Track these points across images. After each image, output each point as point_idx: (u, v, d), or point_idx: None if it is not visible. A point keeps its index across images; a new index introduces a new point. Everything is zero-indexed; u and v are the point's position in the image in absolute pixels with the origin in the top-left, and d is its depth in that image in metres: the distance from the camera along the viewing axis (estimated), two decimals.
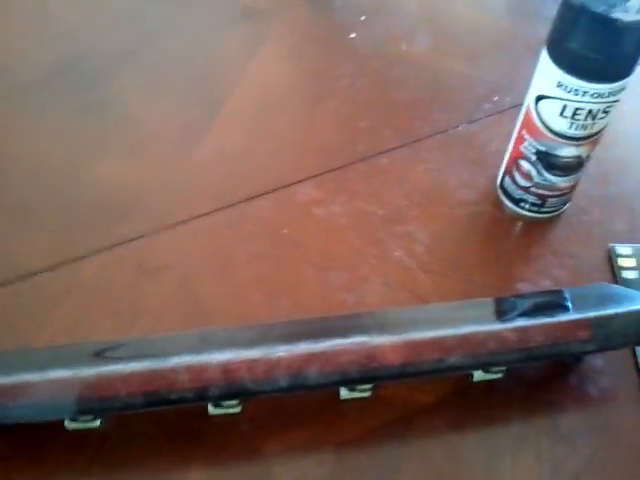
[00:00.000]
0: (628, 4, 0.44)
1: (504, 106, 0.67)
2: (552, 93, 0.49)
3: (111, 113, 0.65)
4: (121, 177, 0.61)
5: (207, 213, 0.59)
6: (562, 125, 0.50)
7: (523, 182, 0.56)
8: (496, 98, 0.68)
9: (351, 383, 0.44)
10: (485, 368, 0.46)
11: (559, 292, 0.52)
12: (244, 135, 0.64)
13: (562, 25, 0.47)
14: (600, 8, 0.44)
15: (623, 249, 0.57)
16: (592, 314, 0.46)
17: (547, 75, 0.49)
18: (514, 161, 0.56)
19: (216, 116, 0.66)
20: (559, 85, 0.48)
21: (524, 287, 0.55)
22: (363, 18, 0.75)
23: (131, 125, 0.65)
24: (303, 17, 0.75)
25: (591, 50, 0.46)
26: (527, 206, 0.58)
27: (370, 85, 0.69)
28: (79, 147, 0.63)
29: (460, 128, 0.66)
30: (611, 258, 0.57)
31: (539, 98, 0.51)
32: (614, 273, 0.56)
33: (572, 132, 0.51)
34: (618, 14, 0.44)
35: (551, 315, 0.46)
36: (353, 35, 0.73)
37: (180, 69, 0.70)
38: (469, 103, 0.68)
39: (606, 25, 0.44)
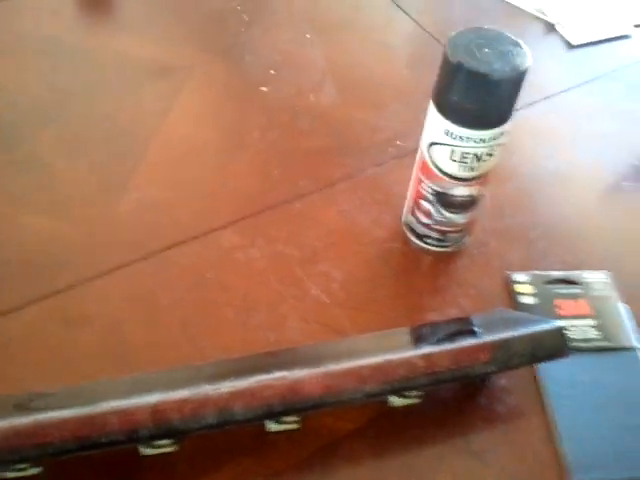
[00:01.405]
0: (501, 58, 0.50)
1: (407, 150, 0.72)
2: (441, 140, 0.55)
3: (33, 170, 0.67)
4: (45, 232, 0.62)
5: (131, 262, 0.61)
6: (452, 168, 0.56)
7: (425, 219, 0.61)
8: (399, 142, 0.73)
9: (276, 416, 0.47)
10: (398, 393, 0.50)
11: (464, 319, 0.57)
12: (164, 186, 0.67)
13: (444, 80, 0.52)
14: (475, 65, 0.49)
15: (520, 276, 0.63)
16: (490, 338, 0.50)
17: (436, 124, 0.54)
18: (415, 201, 0.61)
19: (136, 169, 0.68)
20: (446, 133, 0.54)
21: (433, 316, 0.60)
22: (273, 72, 0.80)
23: (53, 181, 0.66)
24: (216, 72, 0.79)
25: (470, 102, 0.51)
26: (431, 241, 0.63)
27: (281, 135, 0.73)
28: (2, 203, 0.64)
29: (368, 172, 0.70)
30: (509, 285, 0.62)
31: (431, 144, 0.56)
32: (513, 299, 0.61)
33: (462, 174, 0.56)
34: (490, 70, 0.49)
35: (455, 341, 0.51)
36: (264, 89, 0.78)
37: (100, 125, 0.72)
38: (374, 148, 0.73)
39: (480, 80, 0.50)
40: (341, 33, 0.87)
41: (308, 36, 0.85)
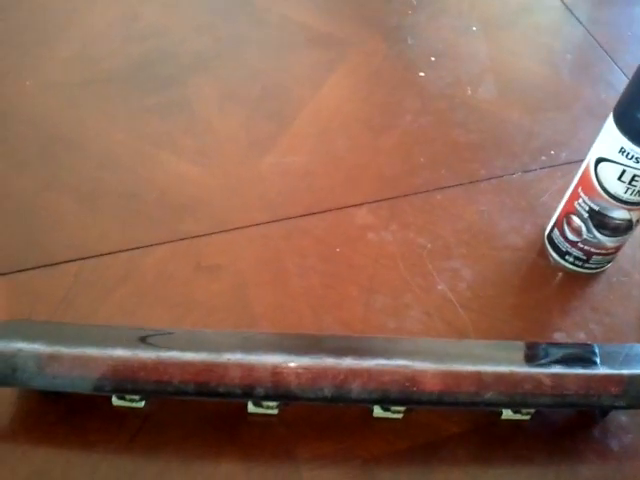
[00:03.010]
0: None
1: (559, 161, 0.69)
2: (613, 157, 0.51)
3: (184, 115, 0.69)
4: (188, 176, 0.64)
5: (265, 222, 0.61)
6: (618, 189, 0.53)
7: (572, 236, 0.58)
8: (552, 152, 0.70)
9: (390, 403, 0.47)
10: (517, 407, 0.48)
11: (592, 346, 0.54)
12: (308, 153, 0.67)
13: (632, 94, 0.49)
14: None
15: None
16: (626, 372, 0.48)
17: (610, 139, 0.51)
18: (566, 215, 0.58)
19: (284, 132, 0.69)
20: (621, 151, 0.51)
21: (559, 336, 0.57)
22: (433, 59, 0.78)
23: (202, 128, 0.68)
24: (377, 50, 0.78)
25: None
26: (572, 260, 0.60)
27: (433, 123, 0.72)
28: (150, 143, 0.66)
29: (515, 176, 0.68)
30: None
31: (599, 160, 0.53)
32: None
33: (627, 197, 0.53)
34: None
35: (585, 367, 0.48)
36: (422, 74, 0.76)
37: (254, 81, 0.73)
38: (526, 153, 0.70)
39: None
40: (508, 30, 0.84)
41: (474, 28, 0.83)
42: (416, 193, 0.65)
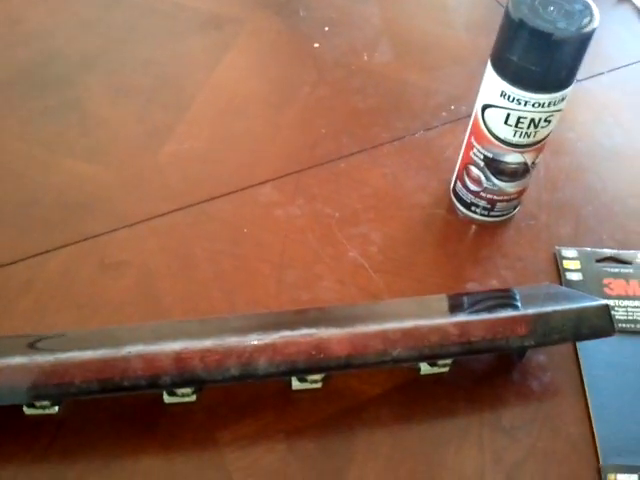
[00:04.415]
0: (567, 18, 0.47)
1: (460, 115, 0.69)
2: (497, 102, 0.52)
3: (76, 114, 0.67)
4: (85, 176, 0.62)
5: (168, 212, 0.60)
6: (507, 133, 0.53)
7: (473, 187, 0.59)
8: (452, 107, 0.71)
9: (299, 373, 0.46)
10: (428, 361, 0.49)
11: (505, 291, 0.55)
12: (207, 138, 0.66)
13: (504, 38, 0.50)
14: (538, 23, 0.47)
15: (568, 252, 0.60)
16: (531, 311, 0.48)
17: (492, 85, 0.52)
18: (465, 167, 0.59)
19: (180, 119, 0.67)
20: (502, 95, 0.51)
21: (473, 287, 0.58)
22: (327, 29, 0.78)
23: (96, 126, 0.66)
24: (269, 26, 0.77)
25: (530, 62, 0.48)
26: (478, 210, 0.61)
27: (331, 93, 0.71)
28: (44, 146, 0.64)
29: (417, 135, 0.68)
30: (557, 260, 0.60)
31: (485, 107, 0.53)
32: (559, 275, 0.59)
33: (516, 140, 0.53)
34: (553, 28, 0.46)
35: (493, 311, 0.49)
36: (317, 45, 0.76)
37: (146, 72, 0.71)
38: (426, 112, 0.70)
39: (542, 39, 0.46)
40: None
41: None
42: (320, 164, 0.65)
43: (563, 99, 0.51)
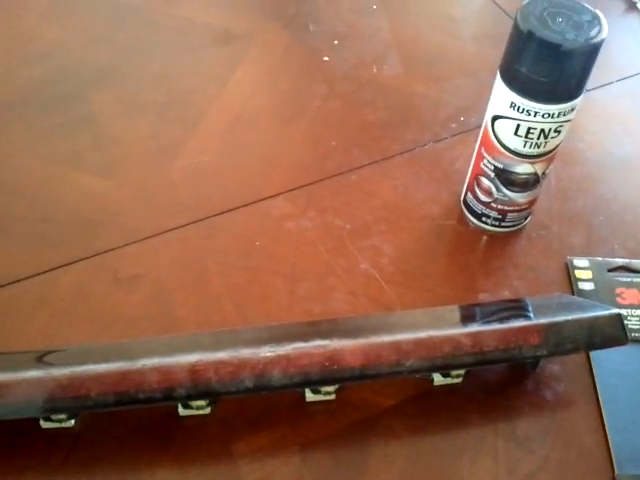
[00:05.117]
0: (575, 29, 0.48)
1: (469, 126, 0.70)
2: (506, 113, 0.52)
3: (88, 130, 0.68)
4: (97, 192, 0.63)
5: (181, 226, 0.61)
6: (517, 144, 0.53)
7: (484, 198, 0.59)
8: (462, 119, 0.71)
9: (313, 384, 0.47)
10: (441, 371, 0.49)
11: (517, 301, 0.55)
12: (218, 152, 0.67)
13: (512, 50, 0.50)
14: (546, 34, 0.47)
15: (580, 262, 0.60)
16: (543, 320, 0.48)
17: (501, 96, 0.52)
18: (475, 178, 0.59)
19: (191, 134, 0.68)
20: (512, 106, 0.51)
21: (485, 297, 0.58)
22: (336, 42, 0.78)
23: (108, 142, 0.67)
24: (279, 41, 0.78)
25: (539, 73, 0.49)
26: (489, 221, 0.61)
27: (341, 106, 0.72)
28: (57, 163, 0.65)
29: (427, 147, 0.68)
30: (569, 270, 0.60)
31: (495, 118, 0.53)
32: (571, 285, 0.59)
33: (526, 150, 0.53)
34: (562, 40, 0.47)
35: (505, 321, 0.49)
36: (326, 58, 0.76)
37: (157, 88, 0.72)
38: (436, 123, 0.71)
39: (551, 50, 0.47)
40: (408, 5, 0.85)
41: (374, 7, 0.83)
42: (330, 177, 0.65)
43: (573, 109, 0.52)
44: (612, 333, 0.49)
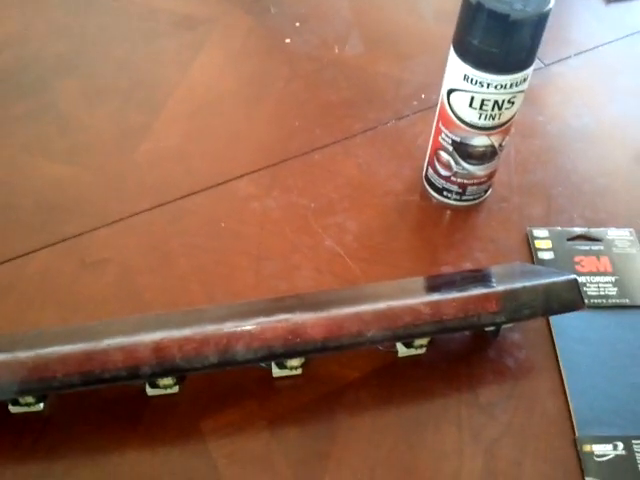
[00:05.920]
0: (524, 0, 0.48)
1: (431, 103, 0.71)
2: (460, 86, 0.53)
3: (53, 117, 0.68)
4: (63, 178, 0.63)
5: (146, 210, 0.61)
6: (472, 116, 0.54)
7: (444, 172, 0.60)
8: (423, 96, 0.72)
9: (277, 358, 0.47)
10: (402, 340, 0.50)
11: (477, 271, 0.56)
12: (182, 136, 0.67)
13: (463, 22, 0.51)
14: (495, 5, 0.48)
15: (540, 232, 0.61)
16: (501, 288, 0.49)
17: (455, 69, 0.53)
18: (435, 152, 0.60)
19: (156, 118, 0.68)
20: (465, 78, 0.52)
21: (447, 270, 0.59)
22: (298, 24, 0.79)
23: (73, 128, 0.67)
24: (241, 25, 0.78)
25: (490, 44, 0.49)
26: (450, 195, 0.62)
27: (304, 87, 0.72)
28: (22, 150, 0.65)
29: (389, 124, 0.69)
30: (529, 241, 0.61)
31: (450, 91, 0.54)
32: (532, 255, 0.60)
33: (482, 122, 0.54)
34: (510, 10, 0.48)
35: (465, 290, 0.50)
36: (288, 40, 0.77)
37: (121, 74, 0.72)
38: (398, 101, 0.71)
39: (500, 20, 0.48)
40: None
41: None
42: (294, 157, 0.66)
43: (525, 80, 0.52)
44: (569, 298, 0.50)
